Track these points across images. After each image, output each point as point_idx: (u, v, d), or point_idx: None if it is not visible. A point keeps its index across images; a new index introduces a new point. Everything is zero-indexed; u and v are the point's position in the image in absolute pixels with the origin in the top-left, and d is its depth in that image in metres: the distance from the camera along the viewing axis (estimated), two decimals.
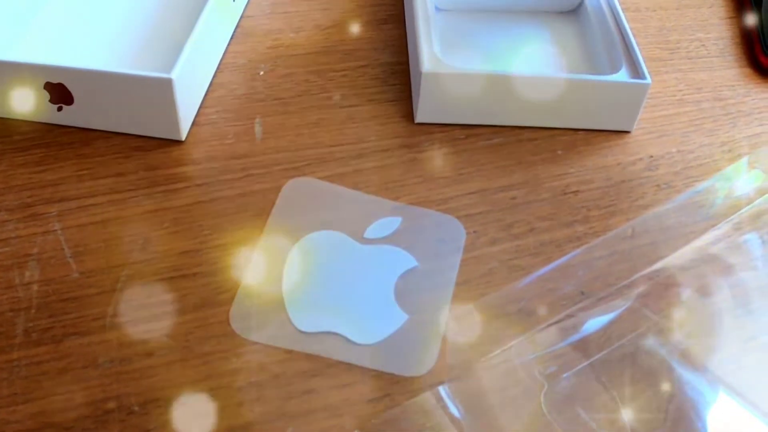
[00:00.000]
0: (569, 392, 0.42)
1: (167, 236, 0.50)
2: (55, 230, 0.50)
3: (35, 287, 0.47)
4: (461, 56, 0.62)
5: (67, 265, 0.48)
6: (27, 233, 0.50)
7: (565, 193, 0.55)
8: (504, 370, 0.42)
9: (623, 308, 0.45)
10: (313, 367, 0.44)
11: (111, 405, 0.42)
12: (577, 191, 0.55)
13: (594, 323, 0.44)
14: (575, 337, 0.44)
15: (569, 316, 0.43)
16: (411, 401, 0.43)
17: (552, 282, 0.44)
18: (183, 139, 0.57)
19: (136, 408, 0.42)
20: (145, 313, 0.46)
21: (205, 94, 0.61)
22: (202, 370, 0.44)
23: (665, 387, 0.43)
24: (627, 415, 0.42)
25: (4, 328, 0.45)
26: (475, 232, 0.52)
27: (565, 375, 0.42)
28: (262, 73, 0.63)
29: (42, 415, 0.42)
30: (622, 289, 0.44)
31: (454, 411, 0.41)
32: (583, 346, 0.44)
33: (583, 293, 0.43)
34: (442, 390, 0.42)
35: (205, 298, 0.47)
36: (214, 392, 0.43)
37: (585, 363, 0.43)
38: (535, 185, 0.56)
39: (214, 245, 0.50)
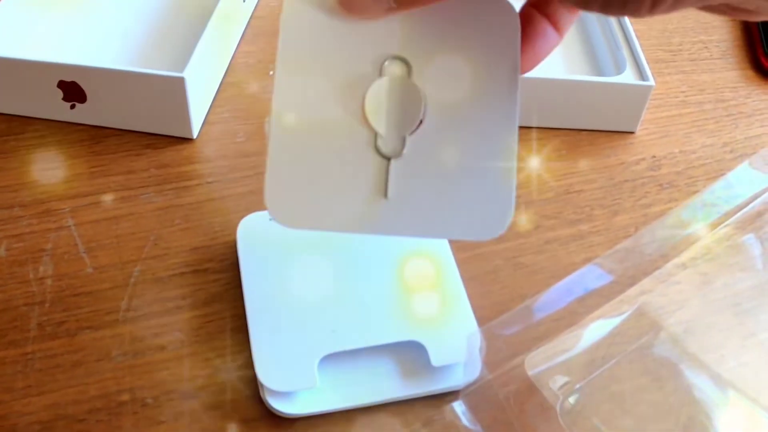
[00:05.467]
0: (584, 403, 0.43)
1: (178, 232, 0.51)
2: (69, 226, 0.51)
3: (49, 282, 0.48)
4: None
5: (81, 261, 0.49)
6: (41, 229, 0.51)
7: (569, 192, 0.56)
8: (518, 383, 0.42)
9: (629, 312, 0.46)
10: None
11: (124, 397, 0.43)
12: (581, 190, 0.56)
13: (601, 329, 0.45)
14: (584, 345, 0.44)
15: (578, 324, 0.43)
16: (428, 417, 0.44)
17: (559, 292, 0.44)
18: (194, 137, 0.58)
19: (149, 400, 0.43)
20: (158, 308, 0.47)
21: (216, 93, 0.62)
22: (213, 364, 0.45)
23: (674, 391, 0.44)
24: (641, 423, 0.43)
25: (19, 322, 0.46)
26: None
27: (577, 386, 0.43)
28: (272, 72, 0.64)
29: (56, 407, 0.43)
30: (627, 292, 0.44)
31: (471, 426, 0.42)
32: (593, 355, 0.44)
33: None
34: (457, 406, 0.43)
35: (215, 293, 0.48)
36: (225, 385, 0.44)
37: (596, 373, 0.43)
38: (540, 184, 0.56)
39: (224, 242, 0.51)
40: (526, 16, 0.38)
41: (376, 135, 0.37)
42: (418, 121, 0.37)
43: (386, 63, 0.37)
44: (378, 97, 0.37)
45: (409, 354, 0.45)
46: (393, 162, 0.37)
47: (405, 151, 0.37)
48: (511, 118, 0.38)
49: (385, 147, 0.37)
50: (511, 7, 0.37)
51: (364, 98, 0.37)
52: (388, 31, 0.37)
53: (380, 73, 0.37)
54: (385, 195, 0.37)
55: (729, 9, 0.30)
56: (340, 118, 0.37)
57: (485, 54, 0.37)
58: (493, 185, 0.38)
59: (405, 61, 0.37)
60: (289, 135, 0.37)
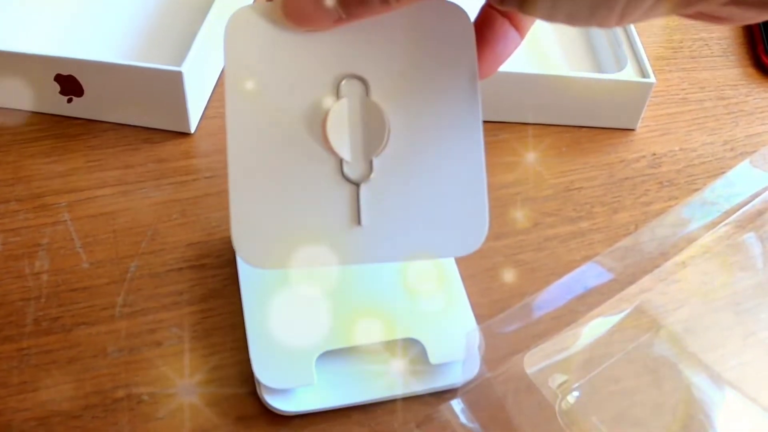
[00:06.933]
0: (583, 402, 0.42)
1: (176, 228, 0.51)
2: (65, 221, 0.51)
3: (45, 277, 0.48)
4: None
5: (77, 255, 0.49)
6: (37, 223, 0.51)
7: (569, 190, 0.56)
8: (517, 381, 0.42)
9: (628, 310, 0.45)
10: None
11: (120, 394, 0.43)
12: (581, 188, 0.56)
13: (601, 328, 0.45)
14: (583, 343, 0.44)
15: (577, 323, 0.43)
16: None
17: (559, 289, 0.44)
18: (192, 131, 0.57)
19: (145, 397, 0.43)
20: (154, 304, 0.47)
21: (214, 88, 0.61)
22: (210, 360, 0.44)
23: (674, 390, 0.43)
24: (639, 422, 0.42)
25: (15, 317, 0.46)
26: None
27: (576, 385, 0.43)
28: None
29: (51, 404, 0.42)
30: (627, 290, 0.44)
31: (469, 424, 0.42)
32: (592, 354, 0.44)
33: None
34: (456, 404, 0.43)
35: (213, 289, 0.48)
36: (222, 382, 0.44)
37: (595, 371, 0.43)
38: (540, 181, 0.56)
39: (221, 237, 0.51)
40: (485, 17, 0.37)
41: (341, 161, 0.36)
42: (383, 142, 0.36)
43: (343, 83, 0.36)
44: (339, 121, 0.36)
45: (408, 351, 0.44)
46: (362, 187, 0.36)
47: (373, 174, 0.36)
48: (474, 128, 0.37)
49: (353, 173, 0.36)
50: (464, 14, 0.36)
51: (324, 123, 0.36)
52: (341, 49, 0.36)
53: (338, 95, 0.36)
54: (359, 222, 0.37)
55: (703, 15, 0.30)
56: (302, 148, 0.36)
57: (441, 64, 0.36)
58: (465, 200, 0.37)
59: (361, 80, 0.36)
60: (249, 171, 0.36)
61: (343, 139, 0.36)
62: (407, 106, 0.37)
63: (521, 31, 0.37)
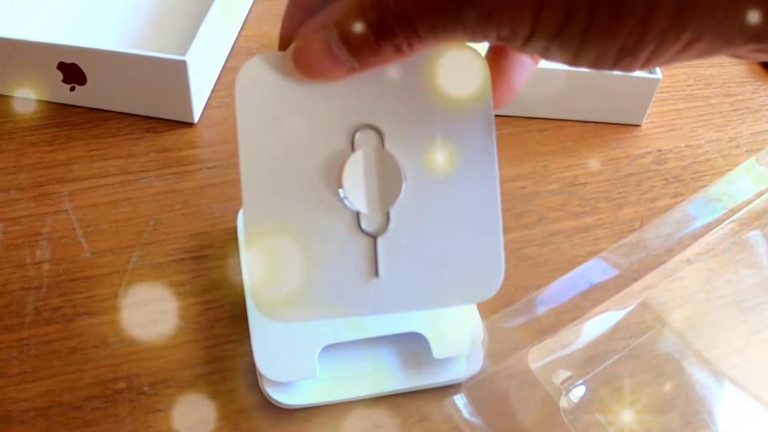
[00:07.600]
0: (587, 398, 0.42)
1: (178, 218, 0.51)
2: (67, 210, 0.50)
3: (46, 266, 0.47)
4: None
5: (78, 245, 0.49)
6: (38, 212, 0.50)
7: (574, 185, 0.55)
8: (521, 377, 0.42)
9: (633, 306, 0.45)
10: None
11: (121, 385, 0.43)
12: (586, 183, 0.56)
13: (605, 324, 0.44)
14: (588, 339, 0.44)
15: (582, 318, 0.43)
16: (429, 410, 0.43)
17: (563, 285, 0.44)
18: (195, 121, 0.57)
19: (146, 388, 0.42)
20: (156, 294, 0.47)
21: (218, 78, 0.61)
22: (211, 352, 0.44)
23: (677, 387, 0.43)
24: (643, 418, 0.42)
25: (15, 307, 0.45)
26: None
27: (580, 381, 0.43)
28: None
29: (51, 394, 0.42)
30: (632, 287, 0.44)
31: (471, 419, 0.42)
32: (596, 350, 0.44)
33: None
34: (459, 399, 0.42)
35: (215, 280, 0.47)
36: (223, 374, 0.43)
37: (599, 368, 0.43)
38: (545, 176, 0.56)
39: (224, 228, 0.50)
40: (499, 46, 0.36)
41: (358, 213, 0.36)
42: (399, 193, 0.36)
43: (357, 134, 0.35)
44: (355, 174, 0.35)
45: (411, 346, 0.44)
46: (380, 239, 0.36)
47: (390, 226, 0.36)
48: (490, 175, 0.36)
49: (370, 226, 0.36)
50: (479, 58, 0.35)
51: (340, 176, 0.35)
52: (354, 98, 0.35)
53: (353, 146, 0.35)
54: (376, 274, 0.36)
55: (727, 54, 0.29)
56: (318, 201, 0.35)
57: (456, 111, 0.36)
58: (481, 247, 0.37)
59: (376, 129, 0.36)
60: (265, 225, 0.35)
61: (359, 192, 0.36)
62: (422, 155, 0.36)
63: (536, 57, 0.36)
